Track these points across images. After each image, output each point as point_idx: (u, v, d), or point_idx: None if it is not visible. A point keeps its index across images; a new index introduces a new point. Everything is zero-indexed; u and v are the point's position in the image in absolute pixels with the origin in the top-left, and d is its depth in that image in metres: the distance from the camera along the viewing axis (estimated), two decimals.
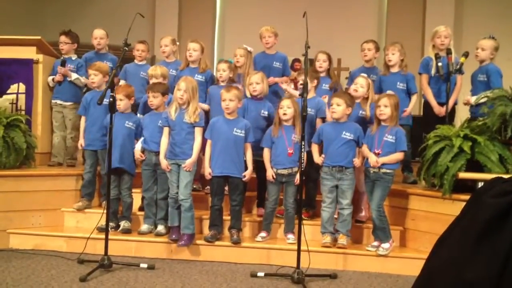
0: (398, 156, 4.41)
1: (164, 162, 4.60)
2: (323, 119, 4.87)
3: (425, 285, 1.26)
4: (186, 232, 4.53)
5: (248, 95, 4.97)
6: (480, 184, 4.17)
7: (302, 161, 4.05)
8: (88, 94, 5.27)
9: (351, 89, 4.88)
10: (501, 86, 4.91)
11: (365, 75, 5.00)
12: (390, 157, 4.39)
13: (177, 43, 5.93)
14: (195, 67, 5.42)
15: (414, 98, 5.25)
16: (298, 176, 4.50)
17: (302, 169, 4.08)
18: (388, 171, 4.40)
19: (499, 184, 1.24)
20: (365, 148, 4.49)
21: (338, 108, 4.48)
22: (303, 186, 4.18)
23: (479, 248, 1.16)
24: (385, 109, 4.42)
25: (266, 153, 4.70)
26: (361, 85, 4.81)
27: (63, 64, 5.74)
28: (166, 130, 4.63)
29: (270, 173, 4.65)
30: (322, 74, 5.37)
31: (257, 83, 4.88)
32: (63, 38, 5.91)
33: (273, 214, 4.73)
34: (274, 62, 5.65)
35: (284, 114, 4.59)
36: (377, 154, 4.41)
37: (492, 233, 1.15)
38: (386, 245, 4.42)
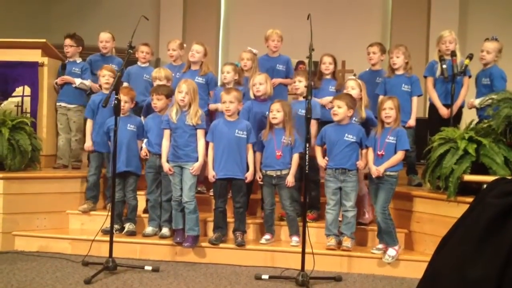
0: (398, 156, 4.40)
1: (166, 165, 4.61)
2: (318, 121, 4.88)
3: (429, 286, 1.26)
4: (191, 234, 4.54)
5: (252, 96, 4.97)
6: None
7: (306, 163, 4.04)
8: (95, 97, 5.27)
9: None
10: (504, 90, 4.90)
11: (353, 77, 5.00)
12: (390, 161, 4.39)
13: (184, 45, 5.92)
14: (196, 69, 5.41)
15: (414, 103, 5.22)
16: (289, 178, 4.55)
17: (306, 171, 4.07)
18: (391, 173, 4.40)
19: (502, 185, 1.24)
20: (369, 155, 4.49)
21: (339, 110, 4.48)
22: (301, 188, 4.18)
23: (481, 248, 1.16)
24: (390, 112, 4.42)
25: (257, 156, 4.73)
26: (351, 87, 4.79)
27: (63, 67, 5.76)
28: (167, 132, 4.64)
29: (257, 176, 4.69)
30: (327, 77, 5.38)
31: (260, 83, 4.88)
32: (68, 41, 5.93)
33: (272, 216, 4.73)
34: (278, 65, 5.66)
35: (274, 118, 4.60)
36: (380, 156, 4.42)
37: (494, 233, 1.14)
38: (392, 253, 4.38)
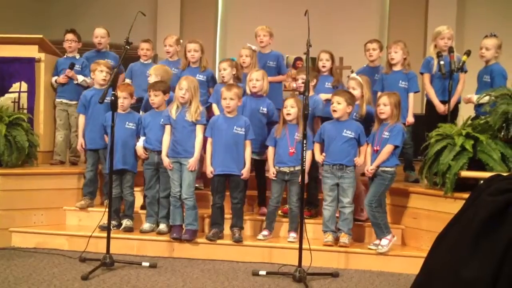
0: (385, 149, 4.39)
1: (166, 160, 4.61)
2: (321, 118, 4.88)
3: (424, 283, 1.25)
4: (190, 228, 4.57)
5: (248, 92, 4.96)
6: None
7: (304, 159, 4.04)
8: (87, 92, 5.23)
9: None
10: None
11: (354, 75, 5.00)
12: (379, 156, 4.40)
13: (181, 41, 5.91)
14: (196, 67, 5.40)
15: (411, 100, 5.22)
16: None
17: (304, 167, 4.07)
18: (386, 169, 4.41)
19: (497, 182, 1.24)
20: (367, 152, 4.51)
21: (338, 106, 4.49)
22: (305, 185, 4.19)
23: (476, 247, 1.15)
24: (384, 108, 4.43)
25: (270, 151, 4.72)
26: (352, 88, 4.81)
27: (71, 67, 5.72)
28: (167, 128, 4.64)
29: (271, 171, 4.66)
30: (325, 73, 5.38)
31: (257, 79, 4.88)
32: (70, 36, 5.90)
33: (275, 212, 4.74)
34: (268, 61, 5.64)
35: (288, 114, 4.59)
36: (376, 151, 4.45)
37: (489, 231, 1.14)
38: (384, 242, 4.41)
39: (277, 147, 4.68)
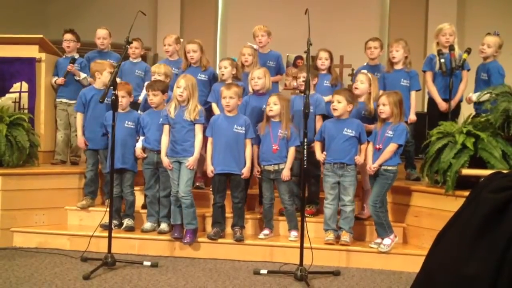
0: (389, 148, 4.38)
1: (165, 160, 4.60)
2: (323, 116, 4.87)
3: (426, 281, 1.25)
4: (189, 227, 4.56)
5: (250, 90, 4.96)
6: None
7: (305, 158, 4.04)
8: (86, 91, 5.16)
9: (353, 87, 4.90)
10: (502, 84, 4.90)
11: (364, 71, 5.00)
12: (383, 155, 4.39)
13: (181, 40, 5.90)
14: (197, 66, 5.39)
15: (413, 98, 5.21)
16: (285, 171, 4.55)
17: (305, 165, 4.07)
18: (388, 168, 4.40)
19: (498, 179, 1.23)
20: (369, 150, 4.50)
21: (339, 105, 4.49)
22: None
23: (477, 244, 1.15)
24: (383, 108, 4.42)
25: (254, 150, 4.72)
26: (361, 81, 4.81)
27: (73, 62, 5.72)
28: (166, 128, 4.63)
29: (255, 169, 4.69)
30: (323, 72, 5.37)
31: (258, 78, 4.87)
32: (69, 36, 5.91)
33: (270, 210, 4.73)
34: (268, 61, 5.63)
35: (270, 110, 4.59)
36: (378, 149, 4.44)
37: (490, 229, 1.14)
38: (387, 241, 4.42)
39: (261, 144, 4.69)
